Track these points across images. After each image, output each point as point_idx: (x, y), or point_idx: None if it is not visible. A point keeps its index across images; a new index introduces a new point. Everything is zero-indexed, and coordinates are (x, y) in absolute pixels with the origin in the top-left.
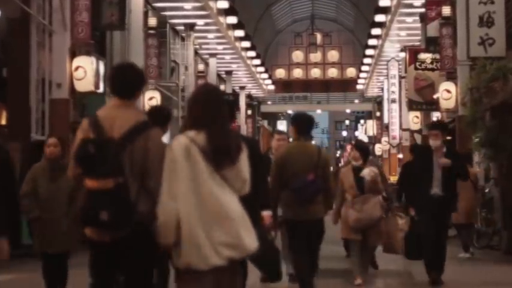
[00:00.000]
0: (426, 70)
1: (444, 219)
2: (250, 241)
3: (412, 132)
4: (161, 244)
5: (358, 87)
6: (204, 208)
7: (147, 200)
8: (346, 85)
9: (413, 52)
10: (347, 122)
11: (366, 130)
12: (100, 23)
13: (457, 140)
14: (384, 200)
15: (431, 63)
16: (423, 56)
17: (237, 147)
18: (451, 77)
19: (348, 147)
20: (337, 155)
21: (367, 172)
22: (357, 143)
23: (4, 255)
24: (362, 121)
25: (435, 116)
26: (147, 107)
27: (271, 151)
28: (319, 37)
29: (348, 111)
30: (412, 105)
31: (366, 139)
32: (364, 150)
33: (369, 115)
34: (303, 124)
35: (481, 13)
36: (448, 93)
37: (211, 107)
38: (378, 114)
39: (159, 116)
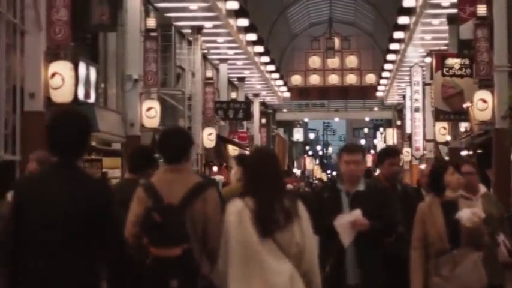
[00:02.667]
0: (454, 76)
1: None
2: None
3: (436, 143)
4: None
5: (378, 94)
6: (251, 273)
7: (208, 261)
8: (365, 92)
9: (440, 57)
10: (366, 130)
11: (385, 139)
12: (89, 24)
13: (494, 156)
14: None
15: (460, 69)
16: (451, 61)
17: (287, 213)
18: (486, 84)
19: (368, 159)
20: None
21: (468, 216)
22: (455, 164)
23: None
24: (381, 129)
25: (463, 126)
26: (145, 119)
27: (340, 179)
28: (337, 42)
29: (366, 119)
30: (439, 115)
31: None
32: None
33: (388, 123)
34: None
35: None
36: (483, 103)
37: (258, 174)
38: (398, 122)
39: (141, 158)
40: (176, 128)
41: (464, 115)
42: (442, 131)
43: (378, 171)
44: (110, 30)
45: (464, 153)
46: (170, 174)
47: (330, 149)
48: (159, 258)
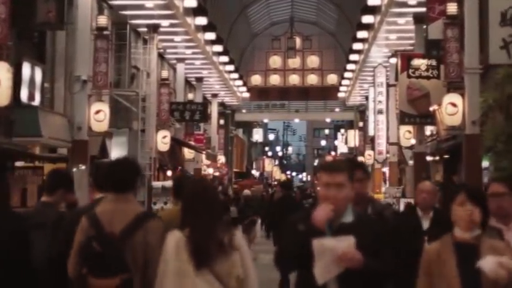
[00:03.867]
0: (421, 78)
1: None
2: None
3: (400, 147)
4: None
5: (340, 95)
6: None
7: None
8: (327, 93)
9: (406, 57)
10: (326, 131)
11: (346, 140)
12: (34, 22)
13: (464, 164)
14: None
15: (427, 70)
16: (417, 62)
17: (222, 245)
18: (456, 87)
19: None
20: (315, 163)
21: (491, 266)
22: (470, 189)
23: None
24: (342, 130)
25: (429, 130)
26: (93, 123)
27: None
28: (298, 41)
29: (327, 120)
30: (404, 118)
31: (345, 149)
32: (485, 204)
33: (349, 124)
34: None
35: (503, 9)
36: (453, 108)
37: (194, 206)
38: (360, 124)
39: (54, 180)
40: (123, 158)
41: (431, 118)
42: (406, 135)
43: None
44: (57, 29)
45: (429, 158)
46: (114, 204)
47: (290, 149)
48: None
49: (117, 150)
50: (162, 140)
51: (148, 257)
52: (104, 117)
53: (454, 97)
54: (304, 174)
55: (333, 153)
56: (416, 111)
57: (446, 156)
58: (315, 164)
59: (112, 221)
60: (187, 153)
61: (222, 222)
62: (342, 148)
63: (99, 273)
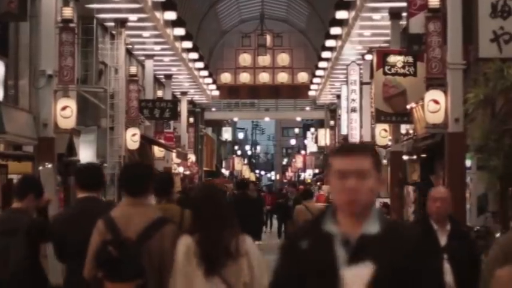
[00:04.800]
0: (397, 75)
1: None
2: None
3: (374, 145)
4: None
5: (310, 93)
6: None
7: None
8: (297, 91)
9: (382, 54)
10: (296, 130)
11: (316, 139)
12: None
13: (446, 163)
14: None
15: (403, 67)
16: (393, 58)
17: (229, 252)
18: (438, 83)
19: (298, 159)
20: (284, 162)
21: None
22: None
23: None
24: (312, 129)
25: (404, 129)
26: (59, 119)
27: (331, 212)
28: (268, 39)
29: (298, 119)
30: (380, 117)
31: (315, 148)
32: None
33: (319, 123)
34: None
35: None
36: (436, 105)
37: (204, 212)
38: (331, 123)
39: (24, 186)
40: (137, 162)
41: (408, 117)
42: (382, 134)
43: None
44: (19, 20)
45: (406, 157)
46: (130, 207)
47: (259, 148)
48: None
49: (85, 149)
50: (132, 138)
51: (164, 262)
52: (71, 113)
53: (436, 94)
54: (273, 173)
55: (302, 152)
56: (393, 109)
57: (423, 155)
58: (284, 162)
59: (128, 225)
60: (157, 151)
61: (231, 227)
62: (312, 147)
63: (114, 278)
